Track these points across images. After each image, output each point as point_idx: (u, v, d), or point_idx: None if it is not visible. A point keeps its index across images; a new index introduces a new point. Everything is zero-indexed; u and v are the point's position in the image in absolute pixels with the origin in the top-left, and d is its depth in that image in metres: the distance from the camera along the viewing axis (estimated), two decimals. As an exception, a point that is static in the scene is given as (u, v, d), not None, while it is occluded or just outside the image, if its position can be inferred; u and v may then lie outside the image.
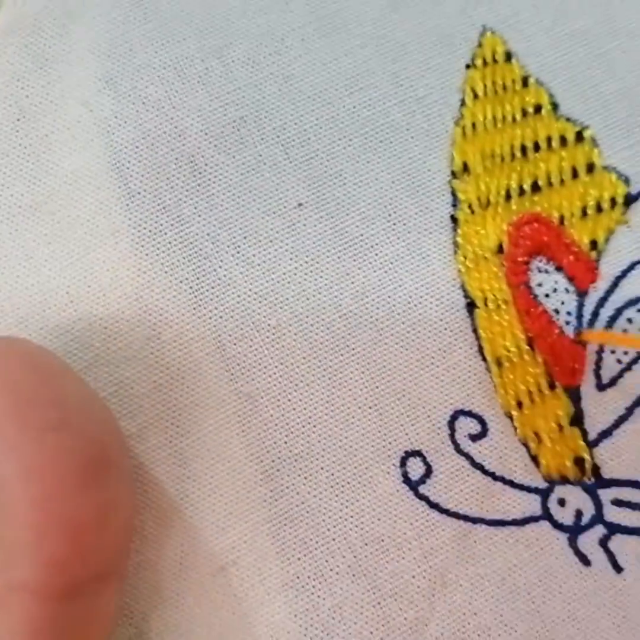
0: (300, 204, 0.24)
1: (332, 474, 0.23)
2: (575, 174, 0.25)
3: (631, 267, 0.24)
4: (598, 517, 0.23)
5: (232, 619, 0.23)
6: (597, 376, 0.24)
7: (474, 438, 0.23)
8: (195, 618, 0.23)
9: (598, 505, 0.23)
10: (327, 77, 0.25)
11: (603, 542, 0.23)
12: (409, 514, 0.23)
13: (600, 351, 0.24)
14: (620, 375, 0.24)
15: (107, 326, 0.23)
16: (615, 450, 0.23)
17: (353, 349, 0.23)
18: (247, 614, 0.23)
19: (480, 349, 0.23)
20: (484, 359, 0.23)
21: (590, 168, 0.25)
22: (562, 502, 0.23)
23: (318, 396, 0.23)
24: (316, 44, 0.25)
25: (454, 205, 0.24)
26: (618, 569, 0.23)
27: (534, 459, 0.23)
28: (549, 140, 0.25)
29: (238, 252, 0.23)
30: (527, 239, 0.24)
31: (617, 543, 0.23)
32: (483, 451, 0.23)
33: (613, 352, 0.24)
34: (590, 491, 0.23)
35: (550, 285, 0.24)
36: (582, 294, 0.24)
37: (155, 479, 0.23)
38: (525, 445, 0.23)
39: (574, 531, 0.23)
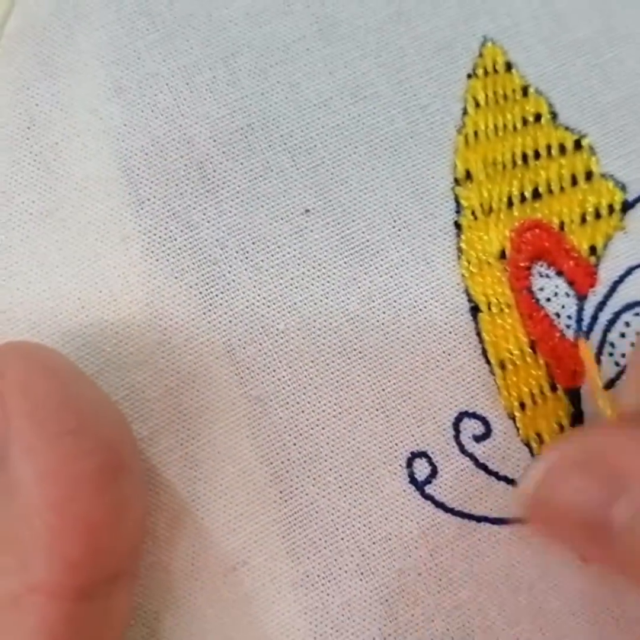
0: (307, 210, 0.24)
1: (341, 475, 0.23)
2: (574, 181, 0.25)
3: (628, 272, 0.25)
4: (598, 515, 0.24)
5: (243, 618, 0.23)
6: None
7: (478, 439, 0.24)
8: (207, 617, 0.23)
9: (598, 503, 0.24)
10: (333, 85, 0.25)
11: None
12: (416, 513, 0.23)
13: (599, 354, 0.25)
14: (617, 377, 0.25)
15: (118, 331, 0.23)
16: (615, 450, 0.24)
17: (360, 352, 0.24)
18: (257, 613, 0.23)
19: (484, 352, 0.24)
20: (488, 362, 0.24)
21: (589, 176, 0.26)
22: (563, 501, 0.24)
23: (326, 399, 0.23)
24: (321, 53, 0.25)
25: (457, 212, 0.25)
26: (618, 565, 0.24)
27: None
28: (548, 148, 0.26)
29: (246, 258, 0.24)
30: (529, 245, 0.25)
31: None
32: (487, 451, 0.24)
33: (611, 355, 0.25)
34: (591, 490, 0.24)
35: (551, 290, 0.25)
36: (581, 299, 0.25)
37: (167, 481, 0.23)
38: (528, 445, 0.24)
39: (574, 529, 0.24)
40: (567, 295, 0.25)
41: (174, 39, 0.25)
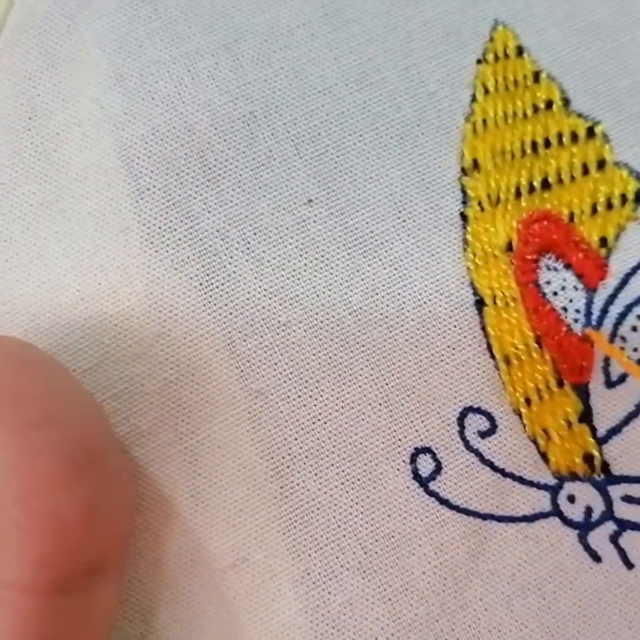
0: (310, 200, 0.24)
1: (342, 471, 0.23)
2: (585, 171, 0.25)
3: (641, 263, 0.24)
4: (608, 514, 0.23)
5: (243, 615, 0.23)
6: (606, 373, 0.24)
7: (484, 435, 0.23)
8: (207, 614, 0.23)
9: (608, 501, 0.23)
10: (338, 72, 0.25)
11: (614, 539, 0.23)
12: (419, 510, 0.23)
13: (610, 348, 0.24)
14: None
15: (117, 323, 0.23)
16: (625, 447, 0.23)
17: (363, 346, 0.23)
18: (257, 610, 0.23)
19: (489, 347, 0.23)
20: (493, 357, 0.23)
21: (601, 164, 0.25)
22: (571, 499, 0.23)
23: (328, 393, 0.23)
24: (326, 39, 0.25)
25: (464, 203, 0.24)
26: (629, 565, 0.23)
27: (543, 456, 0.23)
28: (559, 136, 0.25)
29: (248, 249, 0.23)
30: (537, 237, 0.24)
31: (628, 539, 0.23)
32: (492, 448, 0.23)
33: (622, 348, 0.24)
34: (600, 488, 0.23)
35: (559, 283, 0.24)
36: (591, 292, 0.24)
37: (166, 476, 0.23)
38: (534, 442, 0.23)
39: (584, 527, 0.23)
40: (576, 288, 0.24)
41: (176, 25, 0.25)
